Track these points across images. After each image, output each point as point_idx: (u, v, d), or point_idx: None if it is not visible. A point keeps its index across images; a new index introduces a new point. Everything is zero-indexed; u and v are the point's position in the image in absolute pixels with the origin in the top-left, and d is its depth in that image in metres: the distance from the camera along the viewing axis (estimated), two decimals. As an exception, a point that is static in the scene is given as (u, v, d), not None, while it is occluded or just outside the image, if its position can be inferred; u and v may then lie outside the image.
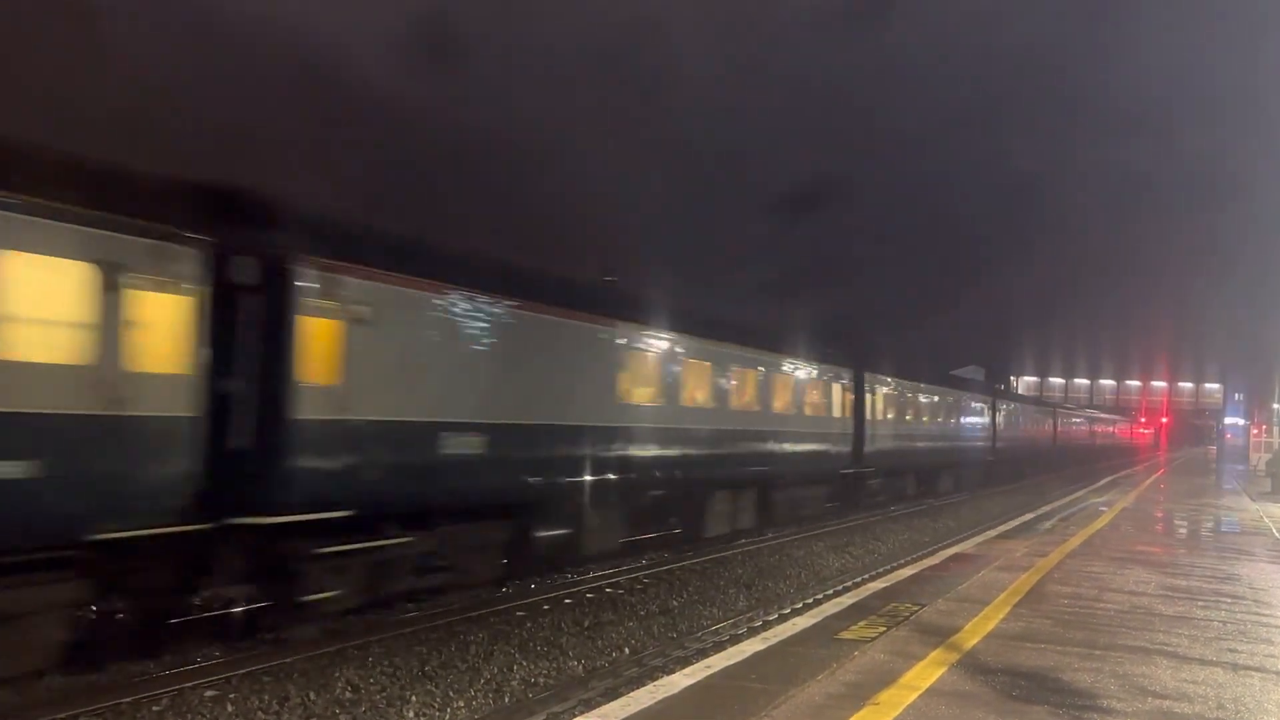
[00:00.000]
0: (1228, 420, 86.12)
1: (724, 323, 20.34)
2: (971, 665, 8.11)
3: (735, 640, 10.64)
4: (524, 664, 10.58)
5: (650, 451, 16.68)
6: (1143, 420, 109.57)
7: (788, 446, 22.17)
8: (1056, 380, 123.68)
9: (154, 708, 8.61)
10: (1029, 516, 23.48)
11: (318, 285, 10.54)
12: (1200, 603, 11.62)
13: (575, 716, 7.05)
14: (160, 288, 9.32)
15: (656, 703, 6.97)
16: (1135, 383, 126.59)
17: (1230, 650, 9.13)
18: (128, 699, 8.63)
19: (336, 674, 9.77)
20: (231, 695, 9.00)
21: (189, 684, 9.11)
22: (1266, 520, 23.79)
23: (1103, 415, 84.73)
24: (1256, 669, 8.46)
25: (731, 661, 8.17)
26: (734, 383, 19.89)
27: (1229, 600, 11.89)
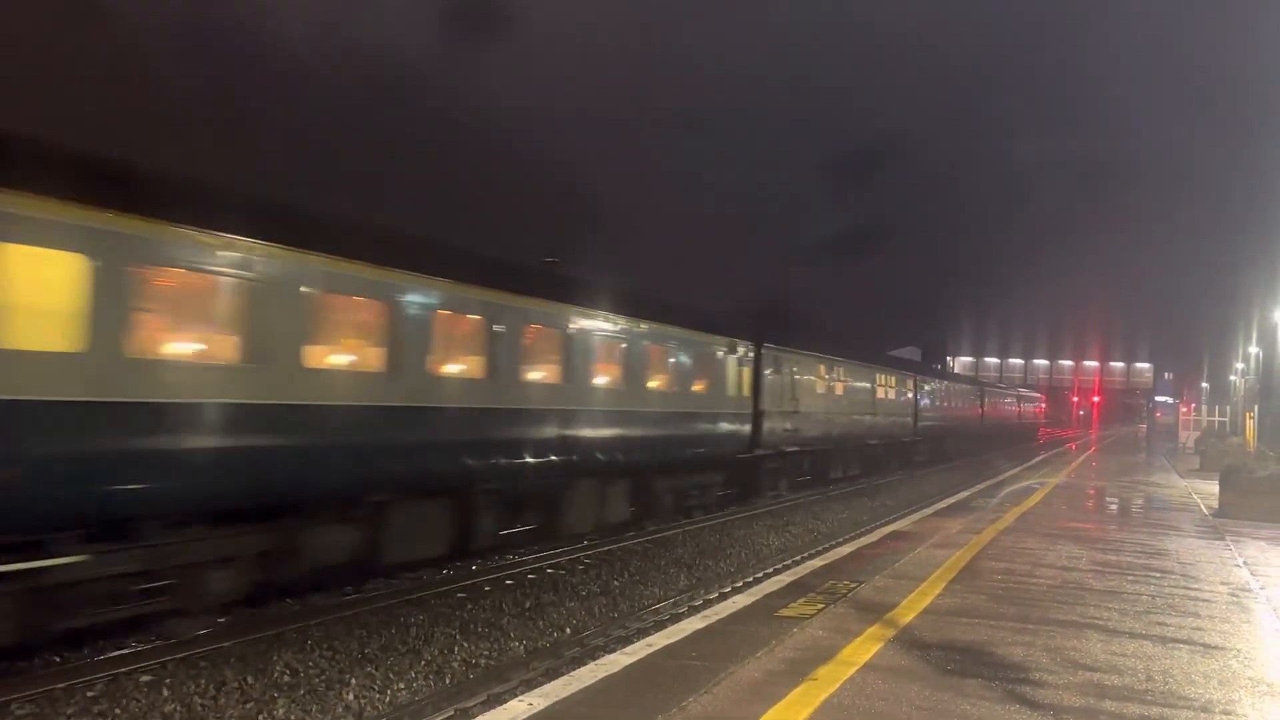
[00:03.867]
0: (1158, 399, 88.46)
1: (578, 283, 17.32)
2: (908, 641, 8.24)
3: (676, 619, 10.69)
4: (465, 645, 10.54)
5: (476, 435, 13.90)
6: (1075, 400, 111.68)
7: (668, 429, 19.46)
8: (992, 360, 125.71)
9: (88, 693, 8.45)
10: (964, 494, 23.87)
11: None
12: (1130, 577, 11.90)
13: (517, 696, 7.03)
14: None
15: (598, 681, 7.00)
16: (1068, 362, 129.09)
17: (1159, 624, 9.36)
18: (61, 685, 8.46)
19: (275, 657, 9.66)
20: (167, 680, 8.85)
21: (124, 669, 8.96)
22: (1194, 496, 24.41)
23: (1033, 394, 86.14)
24: (1184, 641, 8.69)
25: (672, 640, 8.23)
26: (592, 354, 16.75)
27: (1158, 575, 12.19)
